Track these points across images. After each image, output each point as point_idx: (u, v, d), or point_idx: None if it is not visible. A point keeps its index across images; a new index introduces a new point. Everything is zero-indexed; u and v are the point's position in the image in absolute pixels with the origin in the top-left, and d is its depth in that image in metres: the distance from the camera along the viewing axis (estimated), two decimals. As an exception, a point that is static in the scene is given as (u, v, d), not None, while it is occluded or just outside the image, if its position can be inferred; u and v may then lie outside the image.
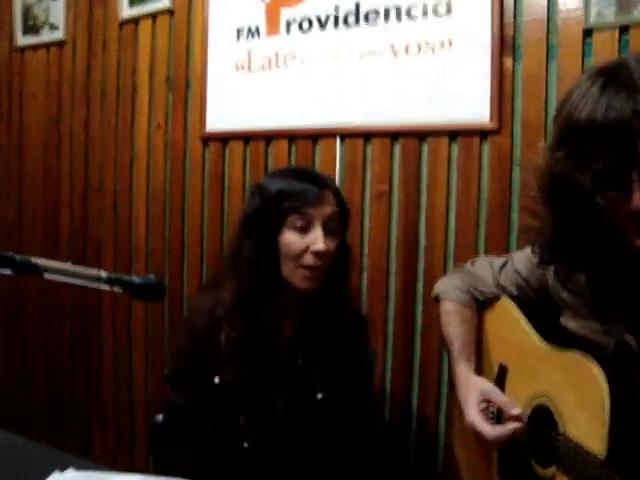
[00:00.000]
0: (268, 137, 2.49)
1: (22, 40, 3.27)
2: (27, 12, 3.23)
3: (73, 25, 3.07)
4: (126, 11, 2.86)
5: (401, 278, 2.24)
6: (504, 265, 1.52)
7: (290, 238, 1.43)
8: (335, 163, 2.33)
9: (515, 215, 2.04)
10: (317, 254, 1.42)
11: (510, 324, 1.43)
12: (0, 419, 3.37)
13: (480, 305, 1.55)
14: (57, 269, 0.87)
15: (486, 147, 2.08)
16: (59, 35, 3.11)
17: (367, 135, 2.29)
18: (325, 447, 1.51)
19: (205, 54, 2.63)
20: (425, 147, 2.19)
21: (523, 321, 1.39)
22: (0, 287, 3.36)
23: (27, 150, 3.28)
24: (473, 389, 1.33)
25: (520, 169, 2.02)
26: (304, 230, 1.43)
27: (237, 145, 2.57)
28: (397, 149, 2.24)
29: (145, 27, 2.83)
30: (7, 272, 0.83)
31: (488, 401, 1.31)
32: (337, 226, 1.50)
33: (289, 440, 1.49)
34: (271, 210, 1.45)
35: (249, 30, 2.52)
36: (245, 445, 1.47)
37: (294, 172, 1.57)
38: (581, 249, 1.08)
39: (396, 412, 2.25)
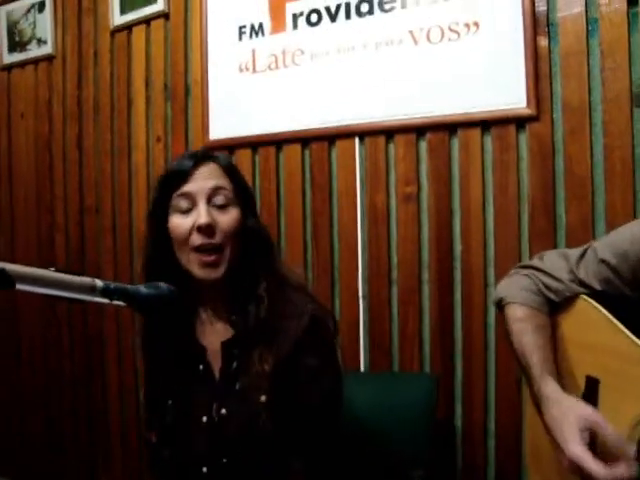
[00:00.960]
0: (279, 142, 2.29)
1: (8, 58, 3.08)
2: (12, 28, 3.05)
3: (62, 38, 2.89)
4: (117, 18, 2.67)
5: (435, 289, 2.01)
6: (583, 255, 1.29)
7: (175, 221, 1.29)
8: (355, 165, 2.13)
9: (562, 210, 1.83)
10: (201, 230, 1.25)
11: (596, 327, 1.21)
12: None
13: (553, 307, 1.32)
14: (34, 277, 0.65)
15: (524, 136, 1.89)
16: (47, 49, 2.93)
17: (389, 132, 2.08)
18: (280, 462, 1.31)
19: (205, 57, 2.43)
20: (455, 141, 1.99)
21: (615, 322, 1.16)
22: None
23: (17, 173, 3.08)
24: (571, 415, 1.09)
25: (564, 157, 1.82)
26: (188, 210, 1.28)
27: (245, 153, 2.37)
28: (423, 145, 2.03)
29: (138, 34, 2.64)
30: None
31: (589, 430, 1.07)
32: (229, 201, 1.31)
33: (242, 458, 1.30)
34: (156, 199, 1.35)
35: (252, 28, 2.32)
36: (204, 470, 1.32)
37: (184, 154, 1.40)
38: None
39: (438, 441, 2.01)
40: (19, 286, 0.63)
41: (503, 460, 1.92)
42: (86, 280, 0.69)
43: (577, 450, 1.04)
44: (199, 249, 1.26)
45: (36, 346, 3.04)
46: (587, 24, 1.79)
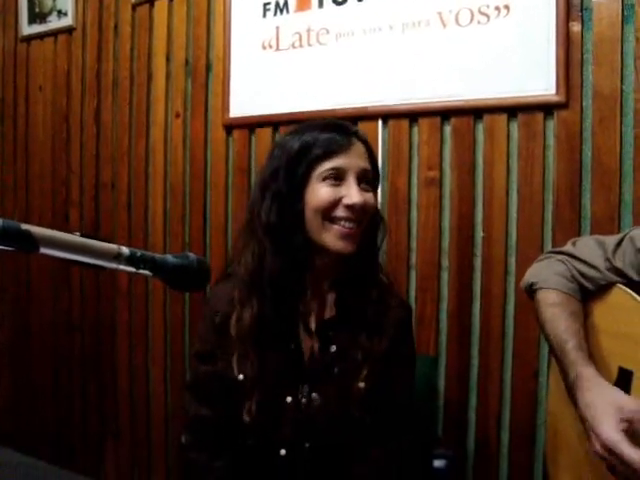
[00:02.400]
0: (300, 122, 2.20)
1: (28, 29, 3.05)
2: (33, -1, 3.01)
3: (82, 10, 2.86)
4: (140, -9, 2.63)
5: (455, 276, 1.98)
6: (619, 243, 1.25)
7: (319, 189, 1.23)
8: (377, 148, 2.08)
9: (587, 201, 1.79)
10: (352, 208, 1.21)
11: (632, 318, 1.17)
12: (7, 438, 3.16)
13: (585, 295, 1.28)
14: (59, 241, 0.62)
15: (551, 123, 1.85)
16: (68, 22, 2.90)
17: (413, 115, 2.04)
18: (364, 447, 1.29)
19: (228, 33, 2.39)
20: (480, 126, 1.95)
21: (652, 313, 1.12)
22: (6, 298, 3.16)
23: (34, 146, 3.06)
24: (610, 402, 1.06)
25: (592, 146, 1.78)
26: (335, 183, 1.23)
27: (265, 132, 2.33)
28: (448, 130, 1.99)
29: (161, 7, 2.60)
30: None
31: (629, 422, 1.04)
32: (371, 184, 1.29)
33: (327, 441, 1.27)
34: (295, 165, 1.25)
35: (277, 5, 2.28)
36: (282, 453, 1.27)
37: (317, 125, 1.32)
38: None
39: (451, 428, 1.99)
40: (43, 250, 0.61)
41: (516, 450, 1.90)
42: (112, 247, 0.66)
43: (613, 434, 1.01)
44: (338, 220, 1.22)
45: (46, 323, 3.04)
46: (623, 10, 1.74)
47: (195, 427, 1.35)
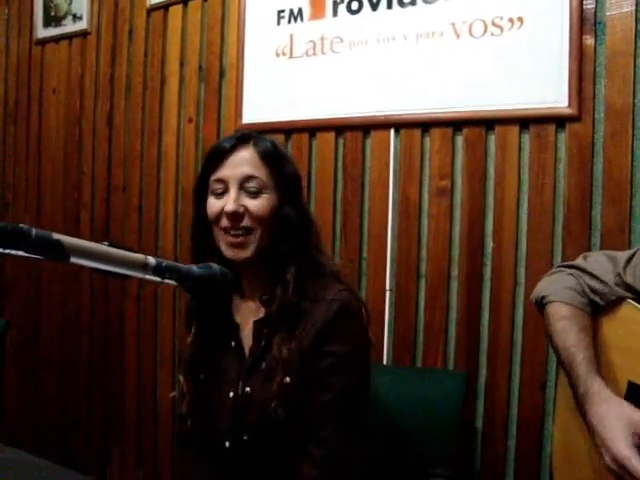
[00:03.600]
0: (312, 129, 2.26)
1: (43, 32, 3.08)
2: (48, 3, 3.05)
3: (97, 14, 2.88)
4: (155, -3, 2.65)
5: (464, 285, 1.99)
6: (631, 258, 1.26)
7: (209, 202, 1.34)
8: (389, 157, 2.10)
9: (597, 214, 1.80)
10: (227, 216, 1.29)
11: (641, 332, 1.18)
12: (14, 438, 3.18)
13: (595, 310, 1.29)
14: (88, 251, 0.63)
15: (563, 136, 1.86)
16: (82, 25, 2.92)
17: (425, 125, 2.05)
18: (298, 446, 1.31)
19: (242, 40, 2.40)
20: (492, 137, 1.96)
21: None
22: (16, 300, 3.17)
23: (46, 148, 3.08)
24: (620, 416, 1.07)
25: (603, 159, 1.79)
26: (221, 194, 1.32)
27: (277, 138, 2.25)
28: (459, 140, 2.01)
29: (175, 13, 2.62)
30: (19, 253, 0.59)
31: (637, 434, 1.05)
32: (262, 188, 1.31)
33: (261, 434, 1.32)
34: (200, 177, 1.39)
35: (291, 12, 2.30)
36: (227, 444, 1.35)
37: (229, 136, 1.41)
38: None
39: (459, 440, 1.99)
40: (73, 259, 0.62)
41: (523, 462, 1.90)
42: (139, 257, 0.67)
43: (624, 449, 1.02)
44: (226, 230, 1.30)
45: (55, 325, 3.06)
46: (636, 24, 1.74)
47: (177, 422, 1.52)
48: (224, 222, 1.29)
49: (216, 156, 1.32)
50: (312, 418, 1.28)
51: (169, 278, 0.69)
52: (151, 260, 0.68)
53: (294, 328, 1.30)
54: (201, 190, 1.36)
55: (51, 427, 3.06)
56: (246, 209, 1.29)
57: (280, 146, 1.40)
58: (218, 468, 1.40)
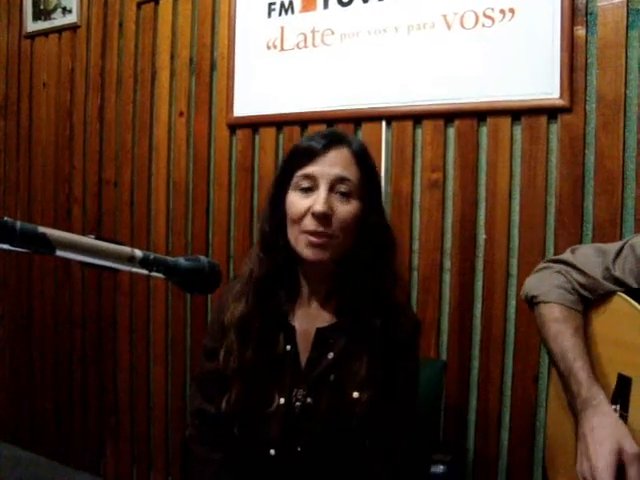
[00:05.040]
0: (304, 122, 2.26)
1: (32, 26, 3.05)
2: (37, -4, 3.02)
3: (87, 7, 2.86)
4: (145, -11, 2.63)
5: (457, 278, 1.99)
6: (620, 252, 1.26)
7: (292, 199, 1.25)
8: (380, 149, 2.09)
9: (589, 205, 1.81)
10: (315, 216, 1.20)
11: (632, 325, 1.18)
12: (7, 433, 3.18)
13: (585, 303, 1.29)
14: (74, 244, 0.63)
15: (555, 127, 1.86)
16: (72, 19, 2.90)
17: (417, 117, 2.05)
18: (355, 456, 1.28)
19: (232, 33, 2.39)
20: (484, 129, 1.96)
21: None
22: (7, 294, 3.16)
23: (37, 143, 3.06)
24: (611, 440, 1.08)
25: (595, 150, 1.79)
26: (308, 191, 1.23)
27: (269, 132, 2.34)
28: (451, 132, 2.00)
29: (166, 5, 2.60)
30: (5, 247, 0.58)
31: (623, 463, 1.06)
32: (352, 192, 1.24)
33: (318, 446, 1.26)
34: (281, 172, 1.30)
35: (282, 5, 2.29)
36: (272, 453, 1.28)
37: (319, 133, 1.33)
38: None
39: (451, 431, 2.00)
40: (59, 252, 0.61)
41: (516, 453, 1.91)
42: (125, 249, 0.66)
43: (603, 469, 1.04)
44: (309, 232, 1.21)
45: (47, 319, 3.04)
46: (628, 15, 1.75)
47: (197, 420, 1.39)
48: (308, 224, 1.21)
49: (306, 152, 1.24)
50: (379, 433, 1.27)
51: (156, 271, 0.68)
52: (137, 253, 0.67)
53: (373, 344, 1.25)
54: (280, 185, 1.28)
55: (45, 422, 3.06)
56: (335, 213, 1.21)
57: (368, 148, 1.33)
58: (255, 476, 1.32)
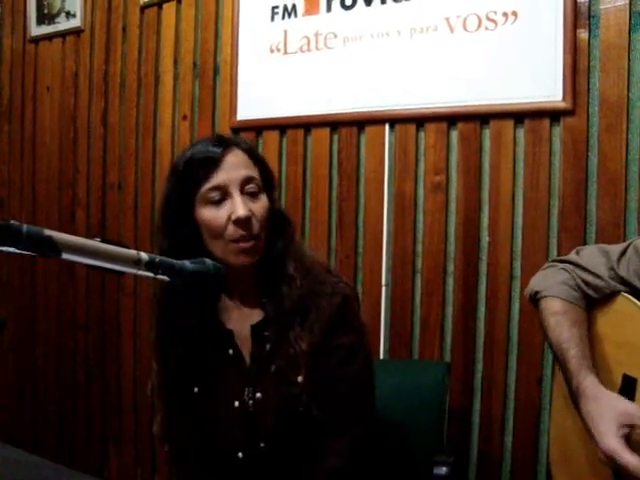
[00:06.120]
0: (307, 125, 2.26)
1: (36, 30, 3.07)
2: (41, 0, 3.03)
3: (91, 12, 2.87)
4: (148, -7, 2.65)
5: (460, 280, 1.99)
6: (624, 252, 1.26)
7: (206, 214, 1.22)
8: (384, 152, 2.10)
9: (593, 207, 1.81)
10: (240, 222, 1.19)
11: (636, 326, 1.18)
12: (11, 435, 3.18)
13: (589, 303, 1.29)
14: (80, 247, 0.63)
15: (558, 130, 1.86)
16: (76, 23, 2.91)
17: (420, 120, 2.05)
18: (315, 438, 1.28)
19: (236, 37, 2.40)
20: (487, 132, 1.96)
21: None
22: (12, 296, 3.17)
23: (41, 146, 3.07)
24: (610, 410, 1.07)
25: (598, 153, 1.79)
26: (220, 201, 1.21)
27: (272, 135, 2.34)
28: (454, 135, 2.01)
29: (169, 10, 2.62)
30: (11, 250, 0.59)
31: (631, 426, 1.05)
32: (259, 189, 1.25)
33: (280, 441, 1.27)
34: (181, 188, 1.24)
35: (285, 9, 2.29)
36: (239, 455, 1.28)
37: (201, 140, 1.33)
38: None
39: (454, 432, 1.99)
40: (65, 255, 0.62)
41: (519, 455, 1.91)
42: (131, 252, 0.67)
43: (612, 443, 1.03)
44: (236, 240, 1.21)
45: (51, 321, 3.05)
46: (630, 18, 1.74)
47: (164, 428, 1.40)
48: (233, 232, 1.20)
49: (204, 164, 1.22)
50: (330, 411, 1.26)
51: (162, 274, 0.68)
52: (144, 256, 0.68)
53: (302, 325, 1.26)
54: (182, 201, 1.24)
55: (48, 425, 3.06)
56: (253, 213, 1.22)
57: None
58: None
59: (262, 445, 1.27)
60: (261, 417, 1.27)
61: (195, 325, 1.29)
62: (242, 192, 1.22)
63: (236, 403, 1.28)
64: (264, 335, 1.29)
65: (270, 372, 1.28)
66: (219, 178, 1.21)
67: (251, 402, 1.28)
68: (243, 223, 1.20)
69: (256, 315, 1.31)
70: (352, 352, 1.30)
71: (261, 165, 1.29)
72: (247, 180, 1.23)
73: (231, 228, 1.20)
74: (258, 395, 1.27)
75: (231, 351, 1.31)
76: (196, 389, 1.31)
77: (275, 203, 1.32)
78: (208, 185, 1.21)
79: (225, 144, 1.25)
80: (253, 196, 1.24)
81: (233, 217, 1.19)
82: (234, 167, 1.22)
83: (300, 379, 1.25)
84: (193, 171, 1.22)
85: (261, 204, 1.25)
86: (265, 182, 1.28)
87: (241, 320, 1.32)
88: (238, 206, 1.19)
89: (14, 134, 3.17)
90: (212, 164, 1.21)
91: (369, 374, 1.34)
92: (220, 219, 1.20)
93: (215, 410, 1.30)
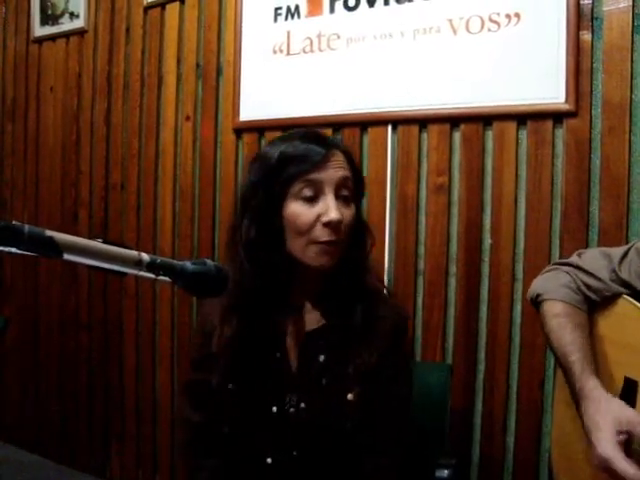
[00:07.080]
0: (310, 126, 2.23)
1: (40, 31, 3.07)
2: (45, 1, 3.04)
3: (94, 12, 2.87)
4: (152, -5, 2.65)
5: (462, 282, 1.99)
6: (626, 254, 1.26)
7: (296, 209, 1.19)
8: (386, 153, 2.10)
9: (595, 209, 1.80)
10: (330, 225, 1.17)
11: (637, 328, 1.18)
12: (13, 435, 3.18)
13: (591, 306, 1.29)
14: (82, 248, 0.63)
15: (560, 132, 1.85)
16: (79, 24, 2.91)
17: (423, 121, 2.05)
18: (352, 456, 1.26)
19: (239, 37, 2.40)
20: (489, 133, 1.96)
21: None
22: (14, 297, 3.17)
23: (44, 146, 3.07)
24: (609, 416, 1.07)
25: (600, 155, 1.79)
26: (312, 199, 1.18)
27: (275, 136, 2.31)
28: (457, 136, 2.01)
29: (172, 11, 2.62)
30: (12, 250, 0.59)
31: (628, 433, 1.05)
32: (351, 193, 1.23)
33: (315, 452, 1.25)
34: (272, 179, 1.20)
35: (288, 10, 2.29)
36: (268, 461, 1.26)
37: (297, 134, 1.28)
38: None
39: (456, 434, 1.99)
40: (66, 256, 0.62)
41: (521, 457, 1.90)
42: (133, 253, 0.67)
43: (608, 450, 1.03)
44: (321, 241, 1.18)
45: (54, 322, 3.05)
46: (633, 19, 1.74)
47: (187, 430, 1.38)
48: (320, 234, 1.18)
49: (304, 158, 1.18)
50: (375, 430, 1.25)
51: (163, 275, 0.68)
52: (145, 257, 0.68)
53: (363, 344, 1.24)
54: (272, 194, 1.20)
55: (50, 425, 3.06)
56: (343, 218, 1.19)
57: None
58: None
59: (294, 453, 1.25)
60: (300, 426, 1.24)
61: (250, 321, 1.25)
62: (336, 195, 1.20)
63: (274, 408, 1.25)
64: (319, 344, 1.26)
65: (320, 384, 1.25)
66: (317, 175, 1.19)
67: (292, 410, 1.25)
68: (333, 226, 1.18)
69: (314, 321, 1.29)
70: (403, 373, 1.32)
71: (355, 171, 1.27)
72: (343, 181, 1.21)
73: (319, 228, 1.18)
74: (302, 405, 1.25)
75: (279, 354, 1.27)
76: (230, 385, 1.27)
77: (361, 213, 1.30)
78: (304, 181, 1.19)
79: (327, 143, 1.23)
80: (345, 201, 1.22)
81: (325, 219, 1.17)
82: (333, 167, 1.20)
83: (350, 397, 1.22)
84: (289, 165, 1.19)
85: (351, 211, 1.22)
86: (356, 190, 1.26)
87: (295, 323, 1.29)
88: (331, 208, 1.17)
89: (17, 134, 3.18)
90: (312, 161, 1.18)
91: (411, 397, 1.35)
92: (309, 217, 1.18)
93: (248, 411, 1.27)
